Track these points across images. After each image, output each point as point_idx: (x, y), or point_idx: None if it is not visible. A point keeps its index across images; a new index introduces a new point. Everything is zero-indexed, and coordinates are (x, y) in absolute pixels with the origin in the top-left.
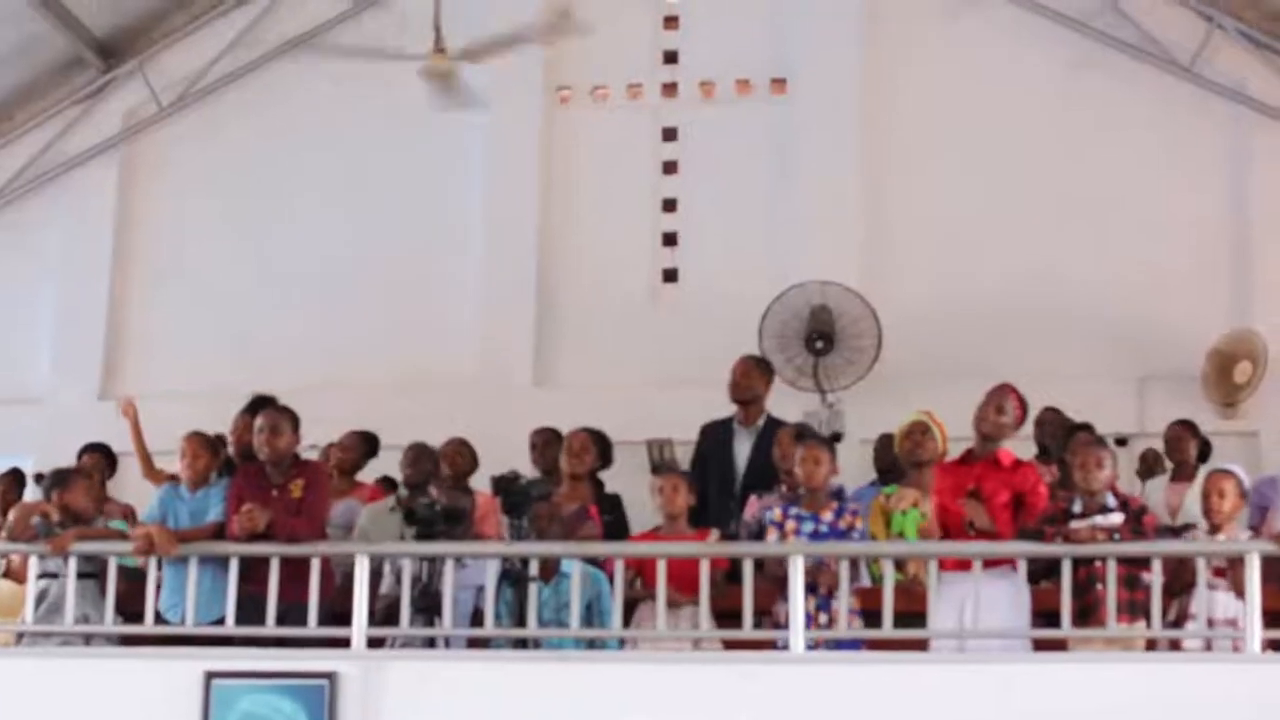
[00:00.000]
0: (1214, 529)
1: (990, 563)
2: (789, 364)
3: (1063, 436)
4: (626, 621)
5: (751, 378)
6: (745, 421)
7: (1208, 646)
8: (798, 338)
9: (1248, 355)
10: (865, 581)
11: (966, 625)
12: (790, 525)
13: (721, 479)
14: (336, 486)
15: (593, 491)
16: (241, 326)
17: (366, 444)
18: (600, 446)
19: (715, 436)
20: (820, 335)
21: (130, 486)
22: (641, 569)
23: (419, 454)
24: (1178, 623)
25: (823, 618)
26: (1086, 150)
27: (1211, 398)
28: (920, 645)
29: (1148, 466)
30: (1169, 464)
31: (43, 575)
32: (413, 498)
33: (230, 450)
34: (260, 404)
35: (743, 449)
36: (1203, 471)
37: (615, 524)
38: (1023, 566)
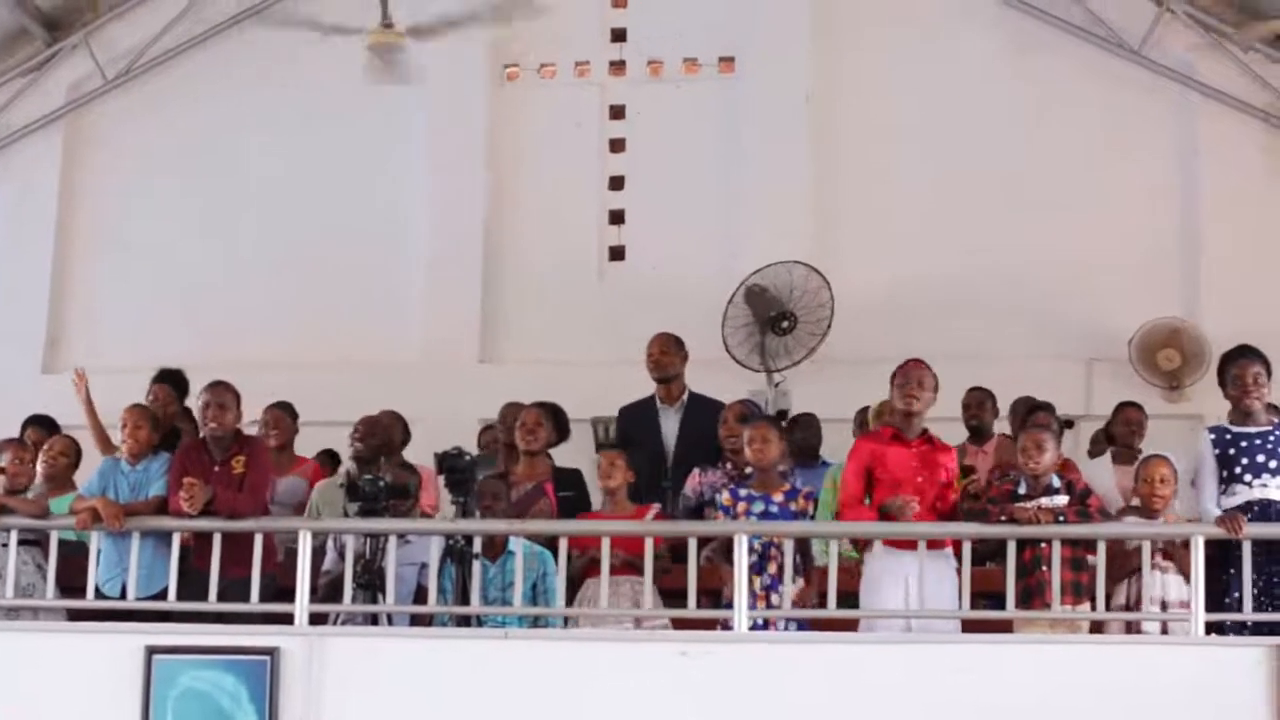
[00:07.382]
0: (1153, 514)
1: (936, 543)
2: (745, 343)
3: (1023, 415)
4: (571, 598)
5: (670, 354)
6: (668, 399)
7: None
8: (758, 319)
9: (1172, 345)
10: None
11: (911, 605)
12: (741, 507)
13: (652, 459)
14: (278, 462)
15: (550, 468)
16: (185, 301)
17: (291, 415)
18: (555, 421)
19: (639, 417)
20: (784, 314)
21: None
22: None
23: (371, 428)
24: (1130, 607)
25: (774, 597)
26: (1036, 132)
27: (1156, 380)
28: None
29: (1100, 449)
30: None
31: None
32: (362, 473)
33: None
34: (166, 377)
35: (670, 427)
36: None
37: (577, 500)
38: (966, 546)
